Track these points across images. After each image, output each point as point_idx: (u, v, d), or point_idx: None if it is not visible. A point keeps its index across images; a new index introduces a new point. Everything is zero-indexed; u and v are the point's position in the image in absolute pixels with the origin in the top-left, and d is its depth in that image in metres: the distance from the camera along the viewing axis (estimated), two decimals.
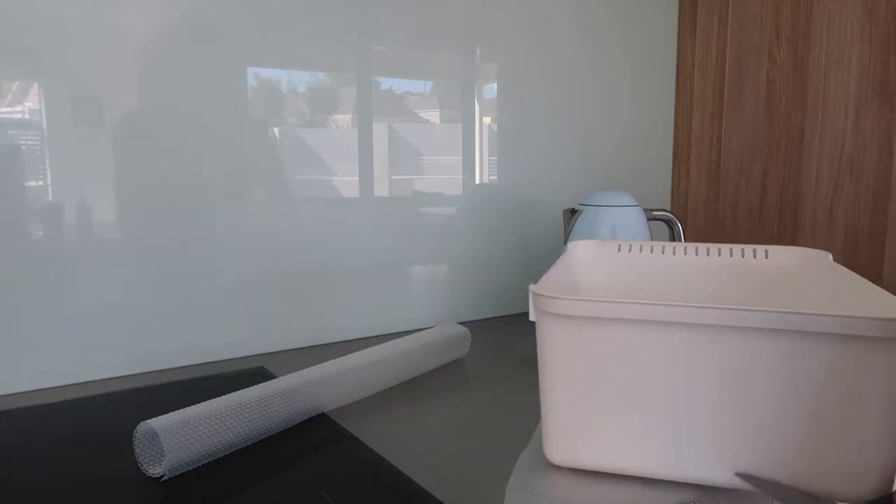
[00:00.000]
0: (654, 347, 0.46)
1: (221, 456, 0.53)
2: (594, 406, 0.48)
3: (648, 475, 0.49)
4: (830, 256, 0.64)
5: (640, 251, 0.70)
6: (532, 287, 0.49)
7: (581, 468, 0.50)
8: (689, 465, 0.47)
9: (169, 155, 0.75)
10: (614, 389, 0.48)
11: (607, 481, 0.49)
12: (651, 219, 0.91)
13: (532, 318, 0.49)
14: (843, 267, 0.60)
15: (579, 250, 0.71)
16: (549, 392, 0.50)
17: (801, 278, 0.65)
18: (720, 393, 0.45)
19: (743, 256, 0.67)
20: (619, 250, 0.71)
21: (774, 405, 0.45)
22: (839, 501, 0.44)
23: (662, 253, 0.70)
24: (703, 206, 1.16)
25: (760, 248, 0.67)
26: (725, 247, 0.68)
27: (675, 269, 0.69)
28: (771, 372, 0.44)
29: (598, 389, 0.48)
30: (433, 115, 0.94)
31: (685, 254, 0.69)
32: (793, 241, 1.02)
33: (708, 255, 0.68)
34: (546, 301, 0.47)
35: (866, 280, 0.54)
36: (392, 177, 0.91)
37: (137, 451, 0.51)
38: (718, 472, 0.47)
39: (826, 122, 0.97)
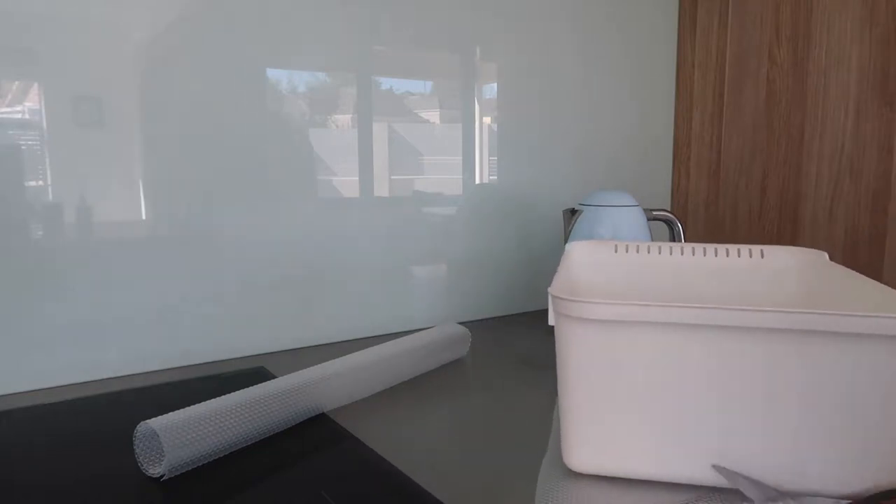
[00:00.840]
0: (687, 350, 0.45)
1: (221, 456, 0.53)
2: (618, 410, 0.47)
3: (675, 480, 0.48)
4: (826, 256, 0.64)
5: (637, 252, 0.70)
6: (552, 291, 0.48)
7: (604, 474, 0.50)
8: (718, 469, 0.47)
9: (168, 155, 0.75)
10: (640, 393, 0.47)
11: (632, 487, 0.49)
12: (651, 219, 0.91)
13: (551, 322, 0.48)
14: (839, 265, 0.60)
15: (576, 251, 0.71)
16: (570, 397, 0.49)
17: (801, 278, 0.65)
18: (756, 395, 0.45)
19: (739, 256, 0.68)
20: (615, 251, 0.71)
21: (814, 408, 0.45)
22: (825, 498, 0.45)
23: (659, 253, 0.70)
24: (703, 206, 1.16)
25: (756, 249, 0.67)
26: (722, 247, 0.68)
27: (672, 269, 0.69)
28: (807, 374, 0.44)
29: (623, 393, 0.47)
30: (433, 115, 0.94)
31: (682, 254, 0.69)
32: (793, 242, 1.02)
33: (704, 255, 0.69)
34: (569, 305, 0.46)
35: (865, 276, 0.55)
36: (392, 177, 0.91)
37: (137, 451, 0.51)
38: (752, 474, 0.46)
39: (826, 122, 0.97)
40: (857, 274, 0.57)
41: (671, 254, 0.70)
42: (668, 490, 0.48)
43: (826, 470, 0.45)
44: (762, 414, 0.45)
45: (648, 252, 0.70)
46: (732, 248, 0.68)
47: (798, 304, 0.63)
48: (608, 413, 0.48)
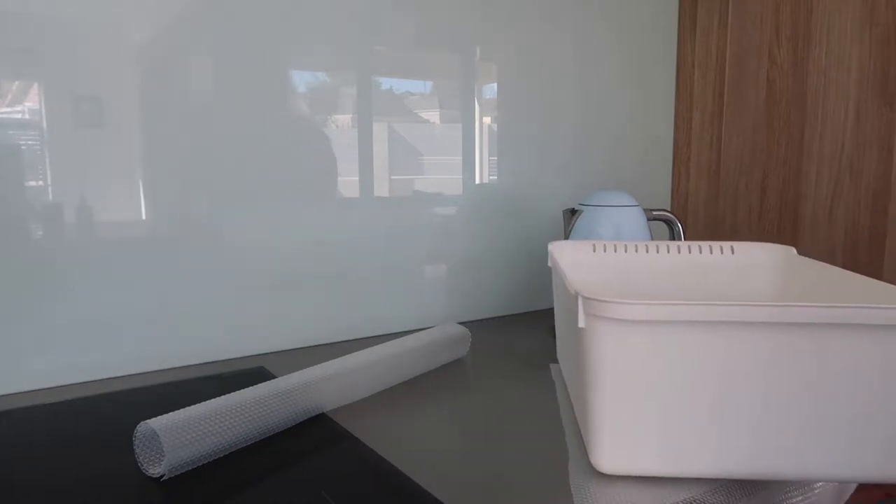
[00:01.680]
0: (724, 347, 0.46)
1: (221, 456, 0.53)
2: (651, 410, 0.47)
3: (707, 476, 0.48)
4: (794, 250, 0.67)
5: (615, 251, 0.73)
6: (582, 292, 0.46)
7: (636, 475, 0.50)
8: (763, 463, 0.47)
9: (168, 155, 0.75)
10: (674, 391, 0.47)
11: (665, 485, 0.49)
12: (651, 219, 0.91)
13: (581, 324, 0.47)
14: (806, 258, 0.63)
15: (561, 252, 0.72)
16: (601, 400, 0.48)
17: (775, 272, 0.68)
18: (792, 388, 0.46)
19: (711, 253, 0.71)
20: (594, 250, 0.74)
21: (847, 401, 0.45)
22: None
23: (636, 251, 0.73)
24: (703, 206, 1.16)
25: (726, 245, 0.71)
26: (695, 244, 0.72)
27: (660, 267, 0.72)
28: (835, 366, 0.45)
29: (657, 393, 0.47)
30: (433, 115, 0.94)
31: (657, 252, 0.72)
32: (793, 241, 1.02)
33: (679, 252, 0.72)
34: (606, 307, 0.45)
35: (842, 269, 0.57)
36: (392, 177, 0.91)
37: (137, 451, 0.51)
38: (797, 468, 0.47)
39: (826, 122, 0.97)
40: (827, 265, 0.59)
41: (647, 252, 0.73)
42: (700, 485, 0.48)
43: (860, 459, 0.46)
44: (795, 407, 0.46)
45: (626, 251, 0.73)
46: (705, 244, 0.71)
47: (785, 298, 0.66)
48: (641, 413, 0.47)
